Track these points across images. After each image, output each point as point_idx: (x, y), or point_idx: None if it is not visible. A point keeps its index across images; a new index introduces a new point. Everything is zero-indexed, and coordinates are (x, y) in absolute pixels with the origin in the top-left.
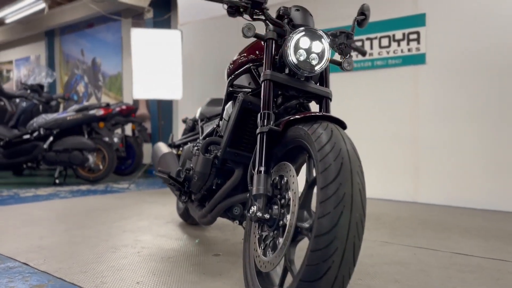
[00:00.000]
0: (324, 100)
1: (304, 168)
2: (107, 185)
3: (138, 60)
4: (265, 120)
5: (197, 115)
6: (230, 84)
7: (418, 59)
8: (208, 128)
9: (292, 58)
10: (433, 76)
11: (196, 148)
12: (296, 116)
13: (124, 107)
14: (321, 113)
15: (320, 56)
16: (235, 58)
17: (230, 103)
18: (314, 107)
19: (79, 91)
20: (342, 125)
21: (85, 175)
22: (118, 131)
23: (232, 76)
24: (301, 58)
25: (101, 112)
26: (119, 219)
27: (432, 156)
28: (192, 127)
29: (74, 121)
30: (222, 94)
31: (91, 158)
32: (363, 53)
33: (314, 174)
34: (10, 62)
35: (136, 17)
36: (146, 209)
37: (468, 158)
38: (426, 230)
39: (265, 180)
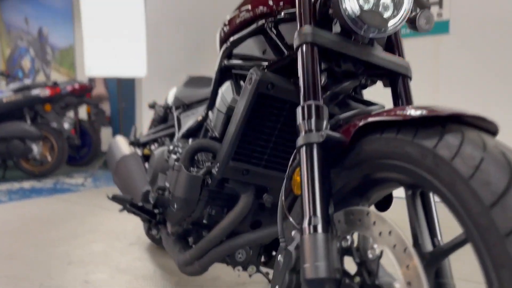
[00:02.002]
0: (400, 79)
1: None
2: (57, 180)
3: (90, 29)
4: (315, 120)
5: (170, 99)
6: (227, 54)
7: (441, 28)
8: (188, 121)
9: (350, 5)
10: (457, 48)
11: (174, 156)
12: (392, 115)
13: (76, 86)
14: (449, 111)
15: (397, 3)
16: (231, 15)
17: (227, 84)
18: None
19: (24, 66)
20: (491, 131)
21: (29, 169)
22: (70, 115)
23: (229, 43)
24: (366, 6)
25: (46, 92)
26: (65, 239)
27: None
28: (163, 117)
29: (12, 103)
30: (199, 71)
31: (36, 148)
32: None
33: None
34: None
35: None
36: (103, 220)
37: None
38: None
39: (327, 246)
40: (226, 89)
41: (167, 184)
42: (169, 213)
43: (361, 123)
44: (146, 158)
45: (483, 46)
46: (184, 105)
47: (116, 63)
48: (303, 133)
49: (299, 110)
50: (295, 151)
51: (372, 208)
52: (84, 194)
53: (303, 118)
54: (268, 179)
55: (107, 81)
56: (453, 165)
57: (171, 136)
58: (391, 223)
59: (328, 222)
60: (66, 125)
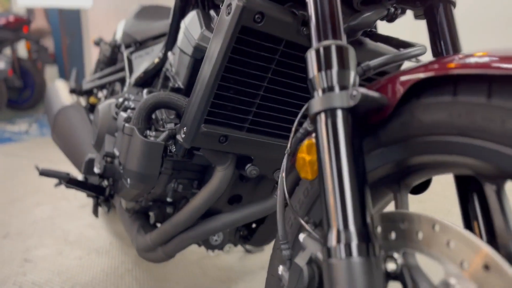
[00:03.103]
0: (441, 7)
1: None
2: None
3: None
4: (338, 72)
5: (118, 35)
6: None
7: None
8: (142, 63)
9: None
10: None
11: (124, 114)
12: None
13: (10, 18)
14: None
15: None
16: None
17: (192, 15)
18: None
19: None
20: None
21: None
22: (7, 52)
23: None
24: None
25: None
26: (2, 203)
27: None
28: (111, 58)
29: None
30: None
31: None
32: None
33: None
34: None
35: None
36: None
37: None
38: None
39: (367, 277)
40: (191, 21)
41: (116, 152)
42: (121, 187)
43: (415, 77)
44: (92, 108)
45: None
46: (136, 43)
47: None
48: (319, 92)
49: (310, 56)
50: (299, 114)
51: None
52: (27, 145)
53: (319, 69)
54: (253, 147)
55: (48, 13)
56: None
57: (122, 81)
58: (468, 234)
59: (367, 238)
60: (1, 64)
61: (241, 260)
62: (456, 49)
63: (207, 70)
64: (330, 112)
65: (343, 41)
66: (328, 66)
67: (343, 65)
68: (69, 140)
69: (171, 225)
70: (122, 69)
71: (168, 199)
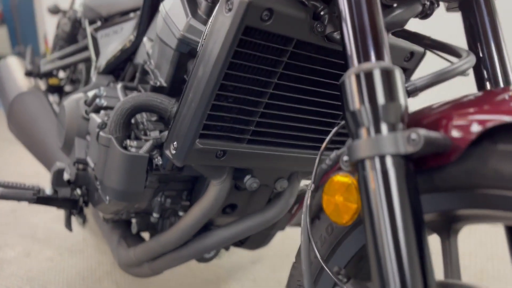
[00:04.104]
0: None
1: None
2: None
3: None
4: (385, 107)
5: (79, 8)
6: None
7: None
8: (110, 44)
9: None
10: None
11: (97, 119)
12: None
13: None
14: None
15: None
16: None
17: None
18: None
19: None
20: None
21: None
22: None
23: None
24: None
25: None
26: None
27: None
28: (71, 34)
29: None
30: None
31: None
32: None
33: None
34: None
35: None
36: (8, 158)
37: None
38: None
39: None
40: (172, 7)
41: (90, 161)
42: (98, 200)
43: (495, 119)
44: (53, 89)
45: None
46: (101, 18)
47: None
48: (362, 132)
49: (349, 83)
50: (326, 141)
51: None
52: None
53: (361, 101)
54: (254, 159)
55: None
56: None
57: (86, 60)
58: None
59: None
60: None
61: (229, 256)
62: (499, 49)
63: (201, 78)
64: (381, 160)
65: (388, 60)
66: (373, 97)
67: (392, 95)
68: (31, 134)
69: (159, 244)
70: (86, 48)
71: (154, 214)
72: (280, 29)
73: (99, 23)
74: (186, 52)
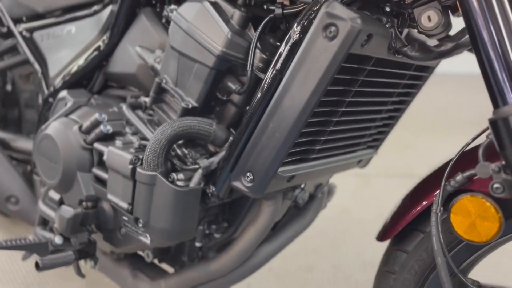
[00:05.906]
0: None
1: None
2: None
3: None
4: None
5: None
6: None
7: None
8: (60, 50)
9: None
10: None
11: (123, 153)
12: None
13: None
14: None
15: None
16: None
17: (195, 6)
18: None
19: None
20: None
21: None
22: None
23: None
24: None
25: None
26: None
27: None
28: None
29: None
30: None
31: None
32: None
33: None
34: None
35: None
36: None
37: None
38: None
39: None
40: (199, 16)
41: (114, 198)
42: (124, 238)
43: None
44: None
45: None
46: (32, 16)
47: None
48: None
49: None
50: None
51: None
52: None
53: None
54: (314, 175)
55: None
56: None
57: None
58: None
59: None
60: None
61: None
62: None
63: (291, 106)
64: None
65: None
66: None
67: None
68: None
69: (207, 271)
70: (11, 50)
71: (197, 244)
72: (371, 51)
73: (34, 23)
74: (225, 69)
